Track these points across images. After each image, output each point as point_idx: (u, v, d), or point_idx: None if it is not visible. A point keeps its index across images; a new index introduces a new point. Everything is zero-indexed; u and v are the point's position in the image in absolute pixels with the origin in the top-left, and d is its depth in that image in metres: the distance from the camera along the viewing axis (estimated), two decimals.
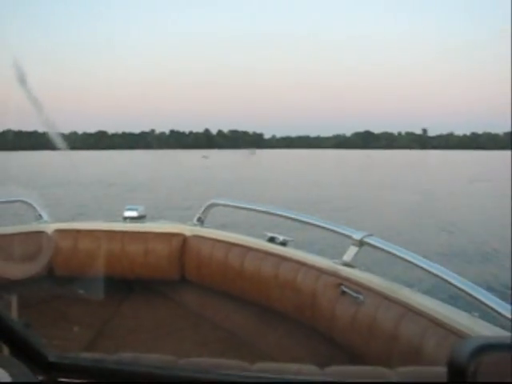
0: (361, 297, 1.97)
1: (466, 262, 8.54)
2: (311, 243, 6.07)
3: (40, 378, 0.90)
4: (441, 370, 1.32)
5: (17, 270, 2.43)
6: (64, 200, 15.23)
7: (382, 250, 2.02)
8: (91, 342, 2.38)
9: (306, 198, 18.04)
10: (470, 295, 1.58)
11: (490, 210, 15.78)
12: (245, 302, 2.61)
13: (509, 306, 1.47)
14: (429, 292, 1.85)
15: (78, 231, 3.00)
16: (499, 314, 1.46)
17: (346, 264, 2.16)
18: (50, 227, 2.96)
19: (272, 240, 2.58)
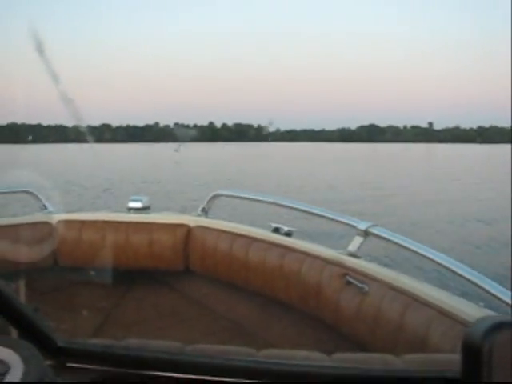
0: (366, 287, 1.97)
1: None
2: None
3: (48, 362, 0.90)
4: (447, 357, 1.32)
5: (22, 260, 2.44)
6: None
7: (388, 240, 2.01)
8: (96, 331, 2.39)
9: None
10: (478, 285, 1.58)
11: None
12: (249, 292, 2.61)
13: (509, 293, 1.48)
14: (435, 282, 1.84)
15: (82, 222, 3.00)
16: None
17: (351, 254, 2.16)
18: (55, 218, 2.96)
19: (277, 231, 2.58)
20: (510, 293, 1.49)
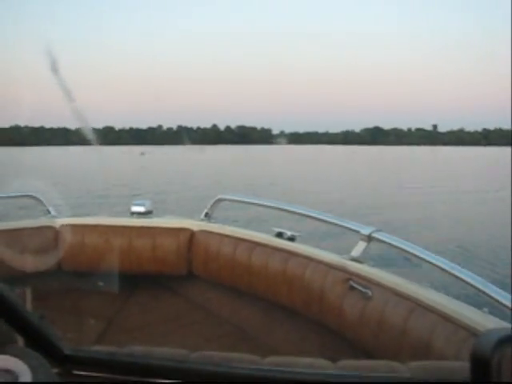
0: (369, 292, 1.96)
1: None
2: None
3: (55, 370, 0.90)
4: (452, 365, 1.32)
5: (25, 265, 2.44)
6: None
7: (391, 245, 2.01)
8: (100, 336, 2.39)
9: None
10: (482, 291, 1.57)
11: None
12: (252, 297, 2.60)
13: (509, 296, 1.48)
14: (439, 287, 1.84)
15: (86, 226, 3.00)
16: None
17: (355, 259, 2.15)
18: (58, 222, 2.97)
19: (280, 235, 2.57)
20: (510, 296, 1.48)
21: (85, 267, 2.84)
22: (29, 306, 1.40)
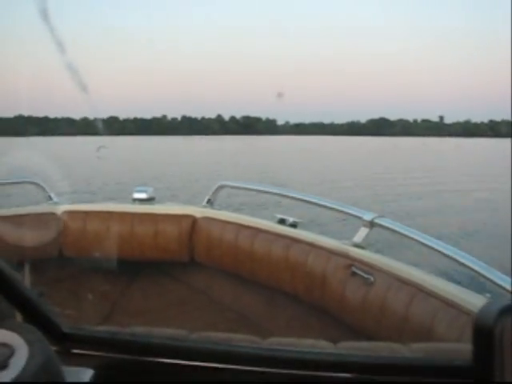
0: (371, 278, 1.96)
1: None
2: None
3: (53, 348, 0.89)
4: (453, 346, 1.31)
5: (27, 251, 2.44)
6: None
7: (393, 231, 2.00)
8: (101, 321, 2.39)
9: None
10: (484, 276, 1.56)
11: None
12: (255, 283, 2.60)
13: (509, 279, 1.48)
14: (441, 273, 1.83)
15: (87, 213, 3.00)
16: None
17: (357, 245, 2.15)
18: (59, 208, 2.96)
19: (282, 222, 2.57)
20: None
21: (86, 253, 2.83)
22: (28, 286, 1.40)
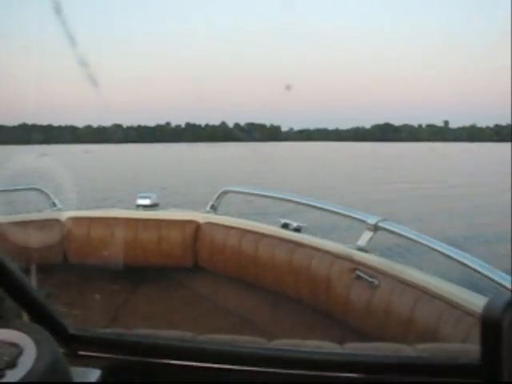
0: (376, 281, 1.96)
1: None
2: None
3: (60, 350, 0.89)
4: (459, 347, 1.30)
5: (31, 257, 2.44)
6: None
7: (397, 234, 2.00)
8: (105, 327, 2.39)
9: None
10: (490, 278, 1.55)
11: None
12: (259, 288, 2.59)
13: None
14: (445, 275, 1.82)
15: (91, 219, 3.01)
16: None
17: (361, 249, 2.14)
18: (64, 215, 2.97)
19: (286, 226, 2.57)
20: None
21: (91, 260, 2.84)
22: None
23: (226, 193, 2.99)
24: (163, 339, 1.05)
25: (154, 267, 2.96)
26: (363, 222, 2.18)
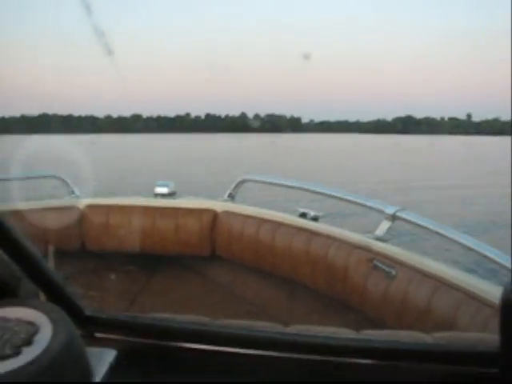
0: (393, 271, 1.95)
1: None
2: None
3: (76, 330, 0.90)
4: (477, 336, 1.28)
5: (49, 244, 2.48)
6: None
7: (416, 224, 1.98)
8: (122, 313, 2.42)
9: None
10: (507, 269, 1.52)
11: None
12: (276, 277, 2.59)
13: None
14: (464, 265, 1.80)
15: (110, 207, 3.02)
16: None
17: (379, 238, 2.13)
18: (82, 202, 3.00)
19: (303, 215, 2.56)
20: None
21: (108, 247, 2.87)
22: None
23: (243, 182, 2.99)
24: (179, 323, 1.06)
25: (171, 255, 2.97)
26: (381, 211, 2.16)
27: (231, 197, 2.98)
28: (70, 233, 2.83)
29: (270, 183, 3.05)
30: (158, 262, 2.95)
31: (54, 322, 0.80)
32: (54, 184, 3.12)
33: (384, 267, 1.99)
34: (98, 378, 0.86)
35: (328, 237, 2.33)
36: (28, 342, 0.76)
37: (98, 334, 0.99)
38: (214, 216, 2.92)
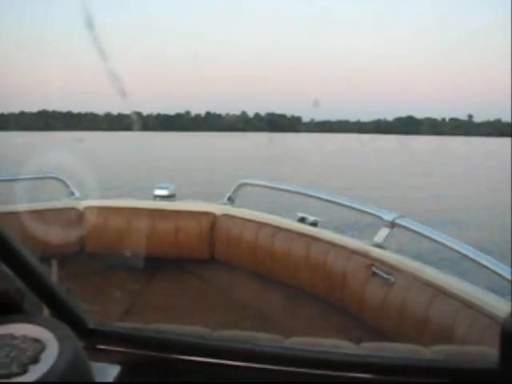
0: (392, 278, 1.95)
1: None
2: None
3: (80, 343, 0.91)
4: (475, 349, 1.28)
5: (49, 246, 2.48)
6: None
7: (414, 231, 1.98)
8: (122, 317, 2.42)
9: None
10: (508, 280, 1.52)
11: None
12: (274, 282, 2.60)
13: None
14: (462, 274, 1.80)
15: (109, 209, 3.03)
16: None
17: (377, 245, 2.13)
18: (82, 204, 3.01)
19: (303, 220, 2.57)
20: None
21: (108, 249, 2.87)
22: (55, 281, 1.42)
23: (243, 185, 2.99)
24: (180, 335, 1.06)
25: (170, 258, 2.97)
26: (380, 218, 2.16)
27: (230, 200, 2.98)
28: (69, 234, 2.84)
29: (270, 187, 3.05)
30: (157, 264, 2.95)
31: (59, 339, 0.80)
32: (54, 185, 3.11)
33: (383, 274, 1.99)
34: None
35: (327, 242, 2.34)
36: (35, 359, 0.76)
37: (101, 346, 1.00)
38: (214, 219, 2.92)
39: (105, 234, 2.96)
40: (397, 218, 2.10)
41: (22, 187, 2.95)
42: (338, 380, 0.93)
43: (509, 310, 1.45)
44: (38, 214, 2.81)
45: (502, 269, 1.58)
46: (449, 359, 1.01)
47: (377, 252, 2.10)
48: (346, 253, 2.22)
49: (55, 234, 2.64)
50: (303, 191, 2.74)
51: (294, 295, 2.49)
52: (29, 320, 0.85)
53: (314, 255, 2.36)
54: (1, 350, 0.77)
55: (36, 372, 0.73)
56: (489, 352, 0.79)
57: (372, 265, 2.06)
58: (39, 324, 0.84)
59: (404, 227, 2.06)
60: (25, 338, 0.80)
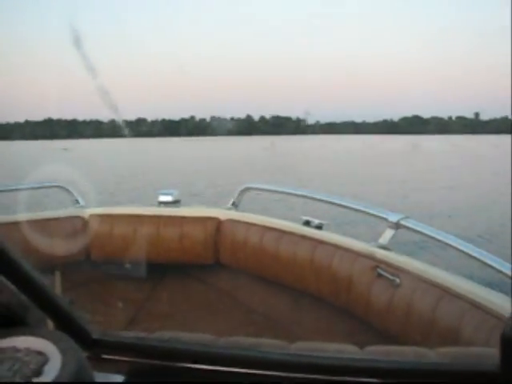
0: (397, 279, 1.94)
1: None
2: None
3: (84, 354, 0.91)
4: (481, 351, 1.27)
5: (55, 254, 2.49)
6: None
7: (419, 232, 1.96)
8: (127, 325, 2.42)
9: None
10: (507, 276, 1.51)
11: None
12: (280, 286, 2.59)
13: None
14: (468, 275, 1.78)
15: (114, 216, 3.03)
16: None
17: (383, 247, 2.11)
18: (87, 212, 3.01)
19: (307, 223, 2.55)
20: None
21: (113, 256, 2.87)
22: (58, 292, 1.43)
23: (247, 190, 2.99)
24: (185, 343, 1.06)
25: (175, 264, 2.97)
26: (385, 219, 2.15)
27: (235, 205, 2.98)
28: (75, 242, 2.84)
29: (273, 191, 3.05)
30: (162, 270, 2.95)
31: (63, 351, 0.80)
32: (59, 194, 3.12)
33: (388, 275, 1.98)
34: None
35: (332, 245, 2.33)
36: (38, 372, 0.76)
37: (105, 356, 1.00)
38: (218, 224, 2.92)
39: (110, 242, 2.96)
40: (401, 219, 2.09)
41: (26, 196, 2.96)
42: None
43: None
44: (43, 222, 2.82)
45: (505, 267, 1.56)
46: (455, 362, 1.00)
47: (382, 253, 2.08)
48: (351, 255, 2.21)
49: (60, 243, 2.65)
50: (307, 194, 2.73)
51: (299, 299, 2.48)
52: (32, 333, 0.85)
53: (319, 258, 2.35)
54: (4, 363, 0.77)
55: None
56: (495, 353, 0.78)
57: (377, 266, 2.05)
58: (42, 336, 0.84)
59: (409, 228, 2.05)
60: (28, 351, 0.80)
